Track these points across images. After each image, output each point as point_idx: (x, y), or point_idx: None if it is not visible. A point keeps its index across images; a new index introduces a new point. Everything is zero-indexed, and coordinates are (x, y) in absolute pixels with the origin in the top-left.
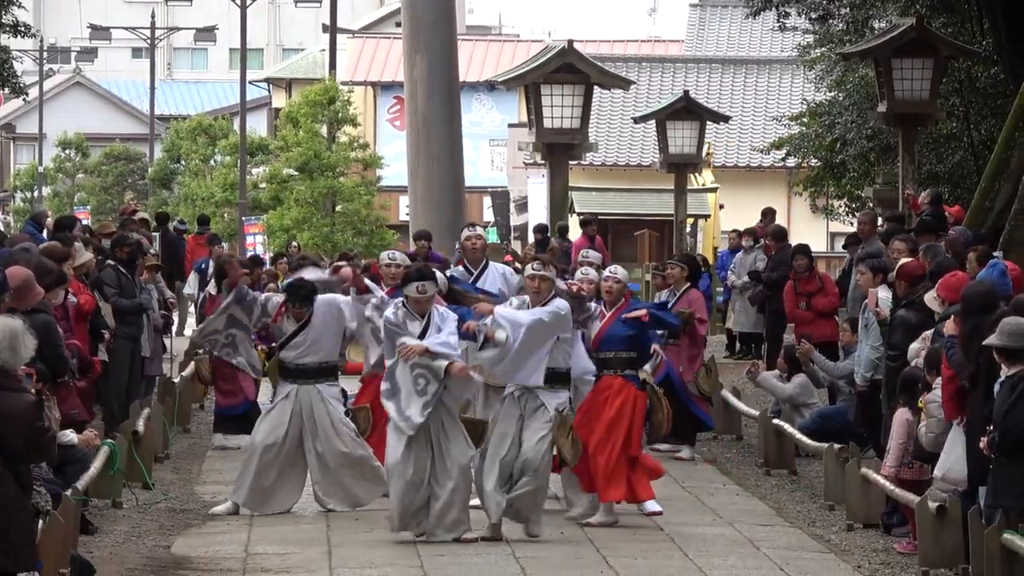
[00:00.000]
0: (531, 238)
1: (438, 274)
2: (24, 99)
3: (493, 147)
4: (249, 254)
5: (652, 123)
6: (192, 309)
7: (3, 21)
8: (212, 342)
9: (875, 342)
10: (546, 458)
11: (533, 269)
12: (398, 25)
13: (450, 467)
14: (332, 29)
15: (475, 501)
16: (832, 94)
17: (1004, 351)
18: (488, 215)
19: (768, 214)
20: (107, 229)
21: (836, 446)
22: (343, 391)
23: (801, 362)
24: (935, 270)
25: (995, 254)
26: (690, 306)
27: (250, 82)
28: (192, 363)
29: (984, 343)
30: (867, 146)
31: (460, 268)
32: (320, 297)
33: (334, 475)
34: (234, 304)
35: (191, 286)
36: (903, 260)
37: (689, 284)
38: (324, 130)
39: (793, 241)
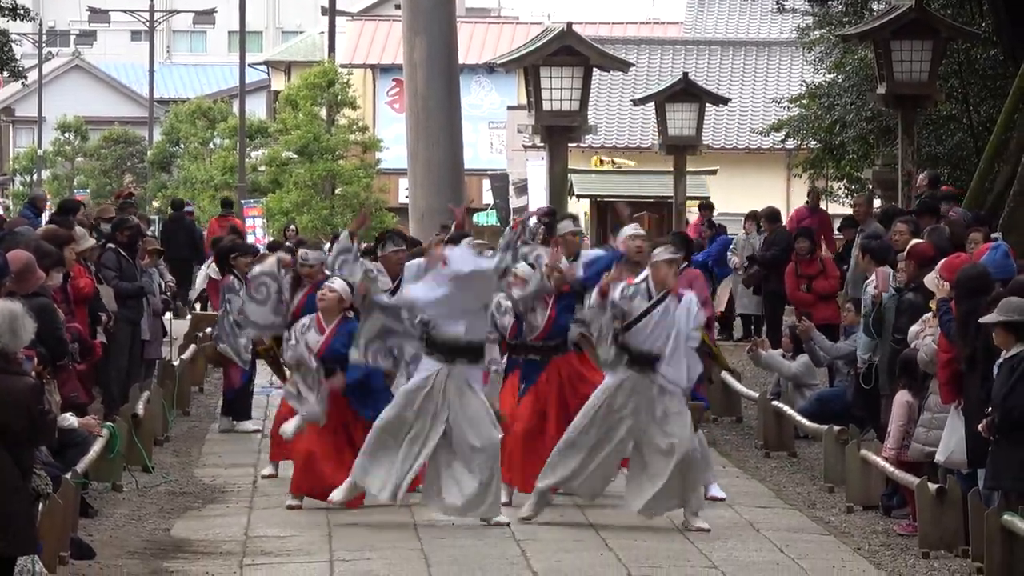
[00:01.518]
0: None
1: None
2: (23, 82)
3: (492, 129)
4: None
5: (651, 105)
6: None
7: (2, 4)
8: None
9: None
10: None
11: (634, 231)
12: (397, 7)
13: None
14: (331, 11)
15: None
16: (831, 76)
17: (1008, 326)
18: (487, 198)
19: (811, 194)
20: (107, 213)
21: (836, 428)
22: None
23: (802, 339)
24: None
25: (993, 236)
26: (691, 284)
27: (249, 65)
28: (192, 347)
29: (984, 320)
30: (866, 128)
31: None
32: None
33: None
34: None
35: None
36: (915, 241)
37: (686, 263)
38: (323, 113)
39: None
